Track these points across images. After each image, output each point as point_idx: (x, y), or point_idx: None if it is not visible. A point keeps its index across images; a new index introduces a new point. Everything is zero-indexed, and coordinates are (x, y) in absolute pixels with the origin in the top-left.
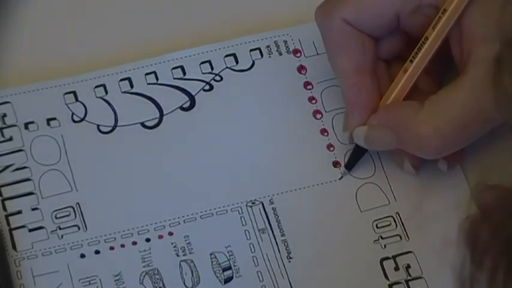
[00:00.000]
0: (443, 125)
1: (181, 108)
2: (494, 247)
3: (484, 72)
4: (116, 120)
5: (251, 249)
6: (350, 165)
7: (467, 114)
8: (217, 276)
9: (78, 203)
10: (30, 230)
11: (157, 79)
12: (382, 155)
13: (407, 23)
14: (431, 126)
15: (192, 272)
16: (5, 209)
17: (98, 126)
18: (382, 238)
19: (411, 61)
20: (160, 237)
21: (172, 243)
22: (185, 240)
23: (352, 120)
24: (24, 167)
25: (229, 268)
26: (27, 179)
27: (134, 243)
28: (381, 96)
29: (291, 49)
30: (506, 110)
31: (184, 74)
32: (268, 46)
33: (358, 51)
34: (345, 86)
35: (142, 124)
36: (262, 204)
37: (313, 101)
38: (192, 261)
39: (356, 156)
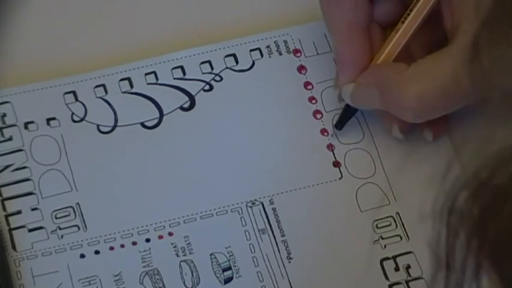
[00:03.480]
0: (424, 89)
1: (181, 108)
2: (469, 217)
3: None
4: (116, 120)
5: (251, 250)
6: (339, 125)
7: (449, 82)
8: (217, 277)
9: (78, 203)
10: (30, 230)
11: (157, 79)
12: (382, 155)
13: None
14: (413, 88)
15: (192, 272)
16: (4, 209)
17: (98, 126)
18: (382, 238)
19: (402, 22)
20: (160, 237)
21: (172, 244)
22: (185, 241)
23: (342, 77)
24: (24, 167)
25: (229, 268)
26: (27, 179)
27: (134, 243)
28: (372, 57)
29: (291, 49)
30: (483, 88)
31: (184, 74)
32: (268, 46)
33: (351, 9)
34: (337, 42)
35: (142, 124)
36: (262, 204)
37: (313, 101)
38: (192, 262)
39: (345, 115)
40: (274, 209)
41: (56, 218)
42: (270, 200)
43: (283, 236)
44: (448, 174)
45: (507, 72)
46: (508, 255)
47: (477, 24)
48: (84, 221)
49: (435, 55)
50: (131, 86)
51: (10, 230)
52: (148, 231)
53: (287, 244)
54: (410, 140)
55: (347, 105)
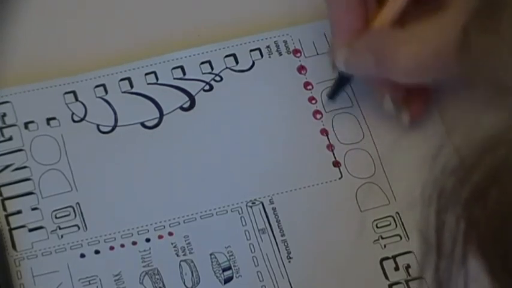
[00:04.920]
0: (417, 47)
1: (181, 108)
2: (457, 203)
3: (465, 7)
4: (116, 120)
5: (251, 250)
6: (332, 94)
7: (442, 42)
8: (217, 276)
9: (78, 203)
10: (30, 230)
11: (157, 79)
12: (382, 155)
13: None
14: (408, 47)
15: (192, 272)
16: (5, 209)
17: (98, 126)
18: (382, 238)
19: None
20: (160, 237)
21: (172, 243)
22: (185, 240)
23: (337, 40)
24: (24, 167)
25: (229, 268)
26: (27, 179)
27: (134, 243)
28: (368, 23)
29: (291, 49)
30: (473, 76)
31: (184, 74)
32: (268, 46)
33: None
34: (331, 4)
35: (142, 124)
36: (262, 204)
37: (313, 101)
38: (192, 261)
39: (339, 84)
40: (274, 209)
41: (56, 217)
42: (270, 200)
43: (283, 235)
44: (436, 160)
45: (495, 60)
46: (494, 241)
47: (467, 13)
48: (84, 221)
49: (429, 20)
50: (131, 86)
51: (10, 229)
52: (148, 231)
53: (287, 244)
54: (410, 140)
55: (340, 74)
